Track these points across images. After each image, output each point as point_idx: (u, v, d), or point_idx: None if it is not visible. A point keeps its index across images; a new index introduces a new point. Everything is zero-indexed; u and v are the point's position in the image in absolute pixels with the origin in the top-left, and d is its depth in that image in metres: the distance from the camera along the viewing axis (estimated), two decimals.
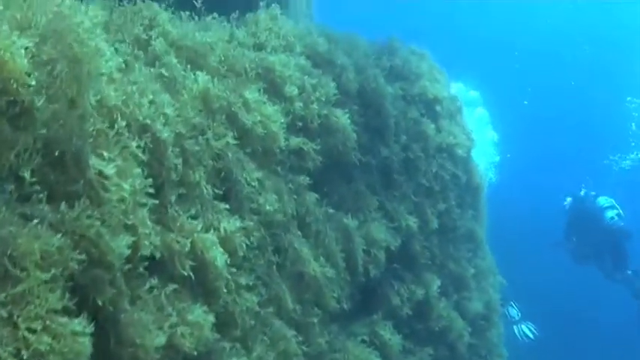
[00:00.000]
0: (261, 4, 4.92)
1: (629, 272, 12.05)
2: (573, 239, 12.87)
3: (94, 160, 2.21)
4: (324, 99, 4.35)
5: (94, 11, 2.40)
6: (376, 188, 5.06)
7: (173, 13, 4.46)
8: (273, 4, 4.80)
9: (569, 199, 13.10)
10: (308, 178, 4.08)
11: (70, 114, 2.16)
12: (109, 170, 2.25)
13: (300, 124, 4.18)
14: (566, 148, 19.76)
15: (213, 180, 3.26)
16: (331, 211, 4.36)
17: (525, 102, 20.46)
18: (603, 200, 12.25)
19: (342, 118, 4.41)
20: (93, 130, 2.32)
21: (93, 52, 2.23)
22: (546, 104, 20.91)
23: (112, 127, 2.59)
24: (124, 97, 2.67)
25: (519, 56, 21.85)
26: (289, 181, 3.96)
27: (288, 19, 5.13)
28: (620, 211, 11.98)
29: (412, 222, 5.25)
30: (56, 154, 2.15)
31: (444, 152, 5.82)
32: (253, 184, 3.51)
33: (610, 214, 11.93)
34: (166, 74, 3.30)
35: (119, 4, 3.79)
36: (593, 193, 12.73)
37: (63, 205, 2.08)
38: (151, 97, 2.79)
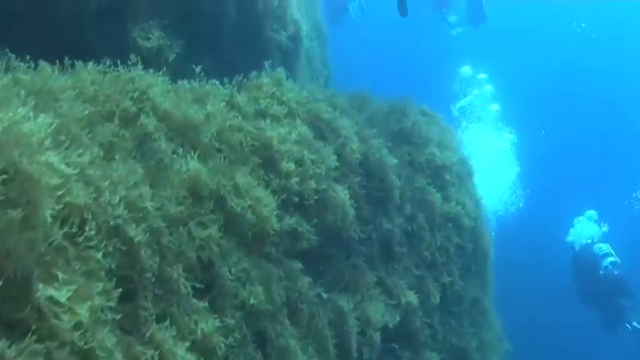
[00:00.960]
0: (266, 64, 4.75)
1: (628, 326, 11.48)
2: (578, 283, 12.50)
3: (44, 287, 1.99)
4: (323, 173, 4.13)
5: (45, 121, 2.18)
6: (376, 262, 4.82)
7: (171, 78, 4.36)
8: (278, 68, 4.63)
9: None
10: (300, 264, 3.84)
11: (20, 234, 1.95)
12: (62, 296, 2.02)
13: (297, 199, 3.96)
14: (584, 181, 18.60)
15: (195, 274, 3.04)
16: (325, 295, 4.10)
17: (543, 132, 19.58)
18: (600, 247, 11.86)
19: (341, 193, 4.19)
20: (50, 246, 2.10)
21: (42, 169, 2.01)
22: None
23: (81, 228, 2.39)
24: (95, 196, 2.46)
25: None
26: (281, 266, 3.73)
27: (294, 81, 4.98)
28: (617, 259, 11.56)
29: (412, 298, 4.98)
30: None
31: (450, 222, 5.57)
32: (239, 274, 3.28)
33: (605, 262, 11.51)
34: (154, 159, 3.10)
35: (113, 69, 3.63)
36: (589, 240, 12.36)
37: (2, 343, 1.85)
38: (123, 193, 2.58)
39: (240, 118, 3.96)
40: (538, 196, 15.91)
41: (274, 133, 3.91)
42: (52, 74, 3.02)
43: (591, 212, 13.99)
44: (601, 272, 11.56)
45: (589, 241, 12.42)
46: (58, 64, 3.40)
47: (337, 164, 4.33)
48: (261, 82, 4.44)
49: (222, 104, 4.03)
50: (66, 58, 3.46)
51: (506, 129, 16.04)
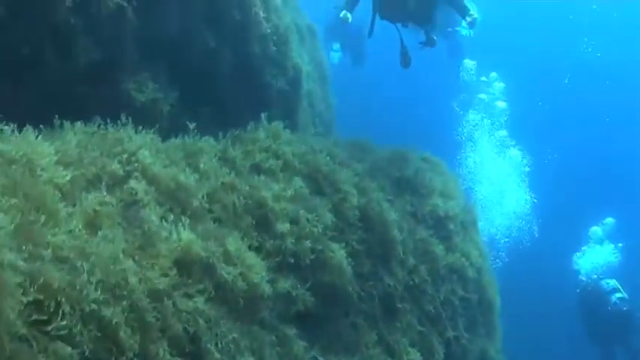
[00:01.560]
0: (262, 116, 4.65)
1: None
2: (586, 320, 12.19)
3: None
4: (319, 232, 3.99)
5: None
6: (377, 320, 4.63)
7: (167, 129, 4.26)
8: (275, 122, 4.53)
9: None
10: (295, 329, 3.68)
11: None
12: None
13: (292, 260, 3.81)
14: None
15: (179, 348, 2.88)
16: (322, 359, 3.93)
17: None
18: (607, 283, 11.62)
19: (337, 253, 4.04)
20: (15, 341, 1.96)
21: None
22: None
23: (55, 313, 2.26)
24: (71, 278, 2.33)
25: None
26: (274, 331, 3.57)
27: (295, 126, 4.88)
28: (624, 295, 11.30)
29: (415, 356, 4.79)
30: None
31: (455, 274, 5.40)
32: (228, 346, 3.12)
33: (613, 298, 11.25)
34: (140, 227, 2.98)
35: (102, 129, 3.53)
36: (595, 275, 12.11)
37: None
38: (102, 274, 2.44)
39: (233, 174, 3.85)
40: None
41: (268, 192, 3.79)
42: (35, 140, 2.92)
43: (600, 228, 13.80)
44: (609, 308, 11.22)
45: (595, 276, 12.16)
46: (49, 122, 3.34)
47: (335, 220, 4.18)
48: (257, 136, 4.34)
49: (215, 160, 3.93)
50: (56, 117, 3.39)
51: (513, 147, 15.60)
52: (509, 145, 15.51)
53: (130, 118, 3.57)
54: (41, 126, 3.29)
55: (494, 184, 14.73)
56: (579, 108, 19.68)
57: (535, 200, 15.07)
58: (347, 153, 4.92)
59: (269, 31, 5.67)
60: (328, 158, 4.54)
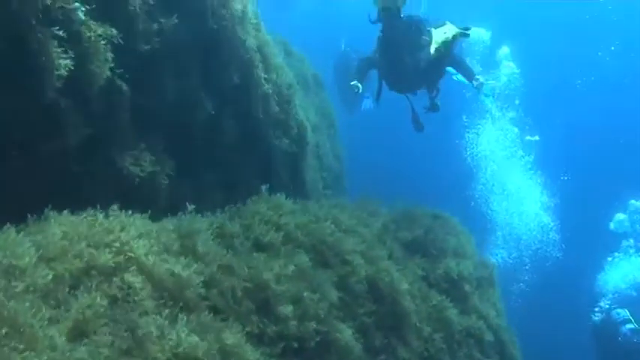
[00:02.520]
0: (263, 188, 4.50)
1: None
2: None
3: None
4: (324, 311, 3.79)
5: None
6: None
7: (161, 211, 4.11)
8: (278, 194, 4.39)
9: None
10: None
11: None
12: None
13: (296, 345, 3.61)
14: None
15: None
16: None
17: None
18: (618, 313, 11.16)
19: (344, 333, 3.83)
20: None
21: None
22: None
23: None
24: None
25: None
26: None
27: (303, 184, 4.72)
28: (636, 326, 10.83)
29: None
30: None
31: (472, 338, 5.14)
32: None
33: (624, 329, 10.75)
34: (130, 327, 2.81)
35: (92, 216, 3.38)
36: (607, 305, 11.64)
37: None
38: None
39: (231, 254, 3.69)
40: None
41: (269, 272, 3.60)
42: (15, 239, 2.78)
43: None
44: (620, 339, 10.69)
45: (607, 306, 11.72)
46: (42, 209, 3.22)
47: (341, 295, 3.99)
48: (257, 208, 4.17)
49: (213, 239, 3.76)
50: (49, 207, 3.26)
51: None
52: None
53: (123, 201, 3.43)
54: (30, 215, 3.19)
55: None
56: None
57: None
58: (353, 218, 4.73)
59: (270, 91, 5.57)
60: (333, 226, 4.36)
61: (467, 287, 5.17)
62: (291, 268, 3.80)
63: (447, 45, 6.02)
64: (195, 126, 4.95)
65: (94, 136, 4.02)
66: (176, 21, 4.47)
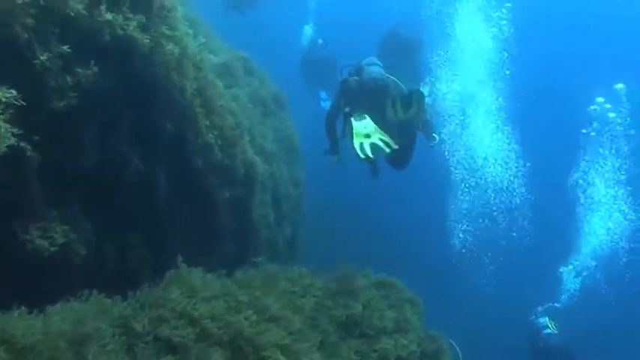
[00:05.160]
0: (178, 260, 4.14)
1: None
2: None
3: None
4: None
5: None
6: None
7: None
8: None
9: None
10: None
11: None
12: None
13: None
14: None
15: None
16: None
17: None
18: (539, 320, 11.82)
19: None
20: None
21: None
22: None
23: None
24: None
25: None
26: None
27: (218, 275, 4.37)
28: (553, 330, 11.52)
29: None
30: None
31: None
32: None
33: (542, 333, 11.55)
34: None
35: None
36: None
37: None
38: None
39: None
40: None
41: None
42: None
43: None
44: (541, 344, 11.65)
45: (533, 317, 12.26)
46: None
47: None
48: (167, 296, 3.81)
49: (113, 341, 3.41)
50: None
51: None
52: None
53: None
54: None
55: None
56: None
57: None
58: (283, 298, 4.39)
59: (212, 138, 5.15)
60: (255, 317, 4.02)
61: None
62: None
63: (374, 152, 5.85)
64: (121, 183, 4.54)
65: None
66: (96, 70, 3.98)
